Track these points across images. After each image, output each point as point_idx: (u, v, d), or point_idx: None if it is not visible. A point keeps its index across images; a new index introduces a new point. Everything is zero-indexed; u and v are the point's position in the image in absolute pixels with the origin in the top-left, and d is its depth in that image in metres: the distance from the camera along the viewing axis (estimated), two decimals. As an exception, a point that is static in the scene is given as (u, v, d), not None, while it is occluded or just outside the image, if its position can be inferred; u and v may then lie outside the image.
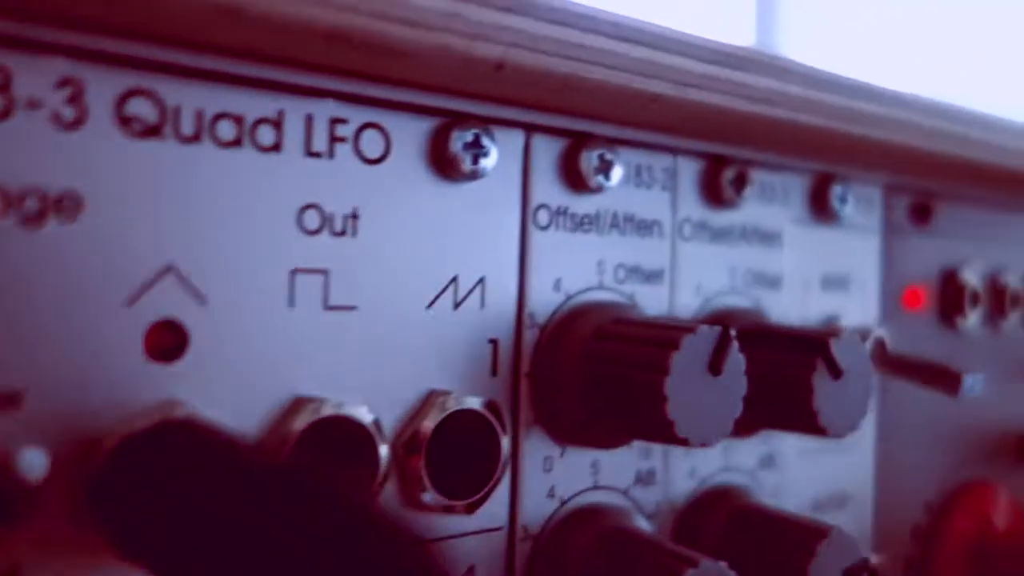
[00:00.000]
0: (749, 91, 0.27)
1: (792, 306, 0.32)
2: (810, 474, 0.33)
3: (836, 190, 0.33)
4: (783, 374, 0.27)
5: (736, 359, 0.24)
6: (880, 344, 0.33)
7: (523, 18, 0.22)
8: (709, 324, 0.24)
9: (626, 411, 0.24)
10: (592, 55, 0.23)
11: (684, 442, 0.23)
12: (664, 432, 0.23)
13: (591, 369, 0.25)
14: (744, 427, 0.29)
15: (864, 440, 0.35)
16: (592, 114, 0.26)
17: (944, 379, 0.30)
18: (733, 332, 0.24)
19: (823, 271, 0.34)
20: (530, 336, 0.26)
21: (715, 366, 0.24)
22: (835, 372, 0.27)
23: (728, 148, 0.30)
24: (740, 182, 0.30)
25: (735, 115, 0.27)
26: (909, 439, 0.37)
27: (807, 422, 0.27)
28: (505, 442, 0.24)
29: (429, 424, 0.23)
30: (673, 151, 0.29)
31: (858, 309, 0.35)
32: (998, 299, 0.40)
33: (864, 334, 0.33)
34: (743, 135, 0.28)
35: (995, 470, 0.41)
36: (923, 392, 0.37)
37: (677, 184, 0.29)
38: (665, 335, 0.24)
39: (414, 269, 0.23)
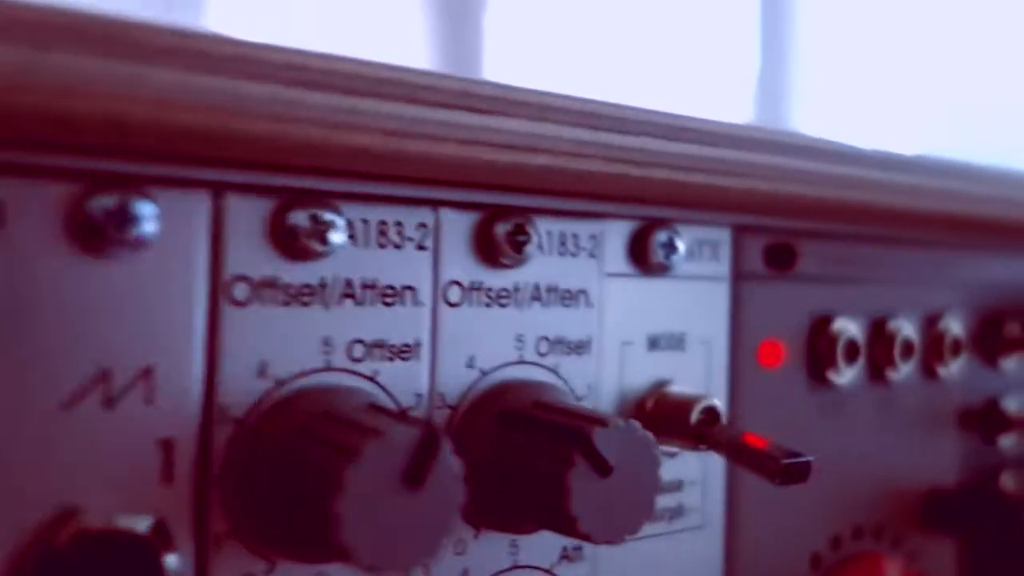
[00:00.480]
0: (500, 137, 0.23)
1: (607, 373, 0.28)
2: (633, 564, 0.29)
3: (659, 237, 0.29)
4: (537, 470, 0.23)
5: (447, 466, 0.20)
6: (711, 414, 0.28)
7: (145, 66, 0.18)
8: (410, 423, 0.20)
9: (307, 528, 0.20)
10: (270, 107, 0.20)
11: (372, 569, 0.19)
12: (344, 556, 0.19)
13: (287, 472, 0.21)
14: (503, 528, 0.25)
15: (710, 516, 0.31)
16: (302, 169, 0.22)
17: (763, 463, 0.26)
18: (440, 434, 0.20)
19: (651, 330, 0.29)
20: (223, 433, 0.22)
21: (414, 477, 0.20)
22: (601, 468, 0.22)
23: (504, 198, 0.26)
24: (519, 235, 0.26)
25: (480, 165, 0.23)
26: (773, 510, 0.32)
27: (567, 527, 0.23)
28: (172, 562, 0.20)
29: (55, 549, 0.19)
30: (433, 204, 0.25)
31: (698, 371, 0.30)
32: (885, 348, 0.35)
33: (690, 402, 0.28)
34: (508, 185, 0.24)
35: (888, 538, 0.36)
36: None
37: (440, 242, 0.25)
38: (347, 439, 0.20)
39: (41, 365, 0.19)
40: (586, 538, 0.23)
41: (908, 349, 0.36)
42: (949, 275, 0.38)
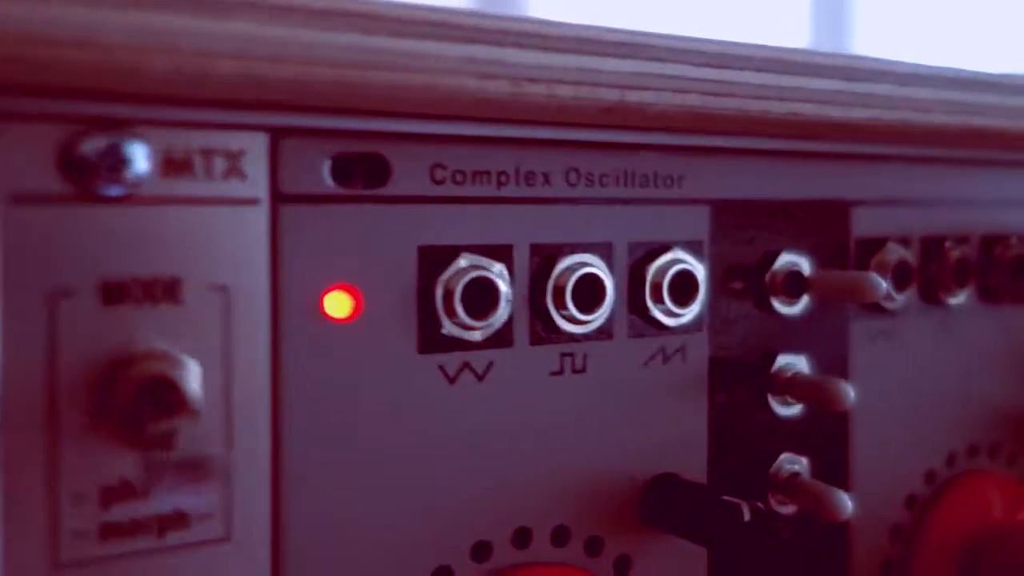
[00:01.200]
0: None
1: (23, 338, 0.20)
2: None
3: (90, 145, 0.20)
4: None
5: None
6: (172, 392, 0.20)
7: None
8: None
9: None
10: None
11: None
12: None
13: None
14: None
15: (243, 524, 0.23)
16: None
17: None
18: None
19: (108, 274, 0.21)
20: None
21: None
22: None
23: None
24: None
25: None
26: (356, 508, 0.24)
27: None
28: None
29: None
30: None
31: (208, 331, 0.22)
32: (556, 293, 0.26)
33: (138, 378, 0.20)
34: None
35: (580, 542, 0.27)
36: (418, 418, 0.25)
37: None
38: None
39: None
40: None
41: (595, 292, 0.26)
42: (682, 191, 0.29)
